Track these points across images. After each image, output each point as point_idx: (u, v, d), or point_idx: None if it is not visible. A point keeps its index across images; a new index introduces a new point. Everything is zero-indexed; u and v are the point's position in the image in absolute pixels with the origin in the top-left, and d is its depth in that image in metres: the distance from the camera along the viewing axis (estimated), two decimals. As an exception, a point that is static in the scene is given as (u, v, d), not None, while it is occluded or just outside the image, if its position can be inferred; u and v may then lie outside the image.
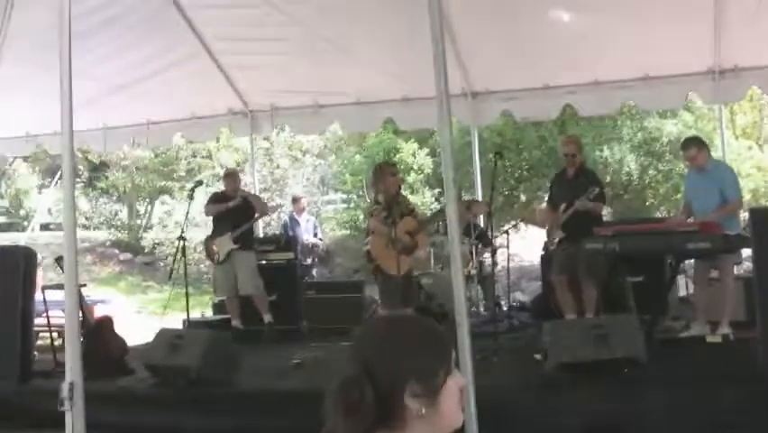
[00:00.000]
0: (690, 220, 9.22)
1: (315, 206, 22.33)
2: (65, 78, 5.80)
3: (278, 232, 14.79)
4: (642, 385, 6.82)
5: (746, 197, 17.10)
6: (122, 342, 9.19)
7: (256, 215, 11.43)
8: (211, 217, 11.62)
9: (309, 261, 14.45)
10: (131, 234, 23.32)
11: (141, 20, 10.59)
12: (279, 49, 11.32)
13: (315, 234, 14.89)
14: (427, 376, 1.89)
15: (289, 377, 8.42)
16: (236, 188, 11.41)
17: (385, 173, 9.99)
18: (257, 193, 14.42)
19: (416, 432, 1.88)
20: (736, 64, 11.08)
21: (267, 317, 11.01)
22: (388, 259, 9.28)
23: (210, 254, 11.31)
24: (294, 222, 14.70)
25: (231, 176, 11.78)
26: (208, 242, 11.36)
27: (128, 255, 21.93)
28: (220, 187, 12.58)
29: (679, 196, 13.86)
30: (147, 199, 23.41)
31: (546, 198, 10.66)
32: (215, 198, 11.64)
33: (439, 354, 1.96)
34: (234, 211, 11.14)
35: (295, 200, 15.62)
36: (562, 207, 9.66)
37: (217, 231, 11.24)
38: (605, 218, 10.64)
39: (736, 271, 9.78)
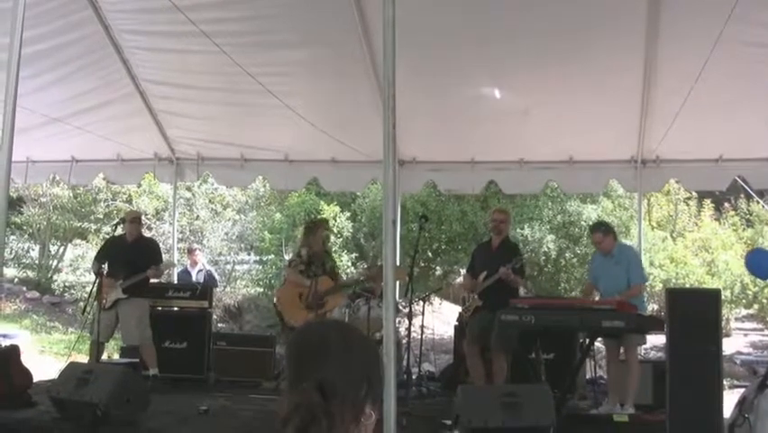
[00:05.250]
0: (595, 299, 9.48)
1: (228, 263, 22.19)
2: (8, 112, 5.80)
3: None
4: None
5: (658, 286, 17.53)
6: (27, 373, 8.97)
7: (149, 271, 10.70)
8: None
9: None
10: (40, 273, 22.85)
11: (78, 55, 10.59)
12: (212, 98, 11.39)
13: None
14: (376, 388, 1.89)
15: (196, 422, 8.36)
16: (137, 234, 11.05)
17: (319, 227, 10.25)
18: (174, 243, 14.29)
19: None
20: (658, 156, 11.49)
21: (152, 370, 10.48)
22: (293, 310, 9.36)
23: (99, 298, 10.50)
24: (186, 274, 14.27)
25: (134, 221, 11.19)
26: (101, 284, 10.51)
27: (35, 294, 21.48)
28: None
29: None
30: (60, 240, 22.98)
31: (467, 267, 10.80)
32: (110, 243, 11.26)
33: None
34: (132, 254, 10.71)
35: (189, 252, 15.28)
36: (483, 275, 9.79)
37: (110, 274, 10.54)
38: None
39: (642, 354, 10.01)
